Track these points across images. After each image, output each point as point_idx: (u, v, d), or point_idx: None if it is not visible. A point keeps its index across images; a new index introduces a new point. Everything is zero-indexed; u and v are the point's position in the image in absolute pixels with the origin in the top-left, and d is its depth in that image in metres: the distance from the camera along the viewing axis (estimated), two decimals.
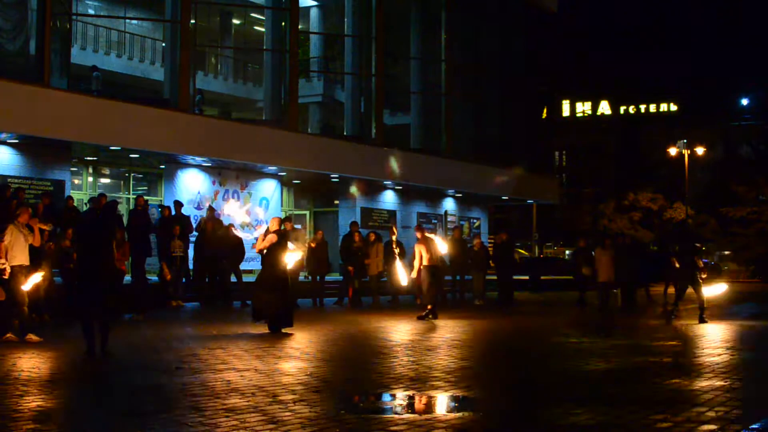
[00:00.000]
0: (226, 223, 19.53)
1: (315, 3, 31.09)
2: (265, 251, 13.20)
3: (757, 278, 46.36)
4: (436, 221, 31.94)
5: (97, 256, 10.30)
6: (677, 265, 15.98)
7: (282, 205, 27.17)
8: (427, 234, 16.74)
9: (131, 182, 24.05)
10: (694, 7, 79.20)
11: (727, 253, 52.88)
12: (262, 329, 12.99)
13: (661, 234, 47.20)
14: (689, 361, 10.07)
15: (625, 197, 51.88)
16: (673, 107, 68.55)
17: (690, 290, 15.77)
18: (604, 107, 69.54)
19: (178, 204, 19.58)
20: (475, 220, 34.40)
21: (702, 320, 15.40)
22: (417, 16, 30.89)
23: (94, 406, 7.17)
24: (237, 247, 18.92)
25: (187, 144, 21.63)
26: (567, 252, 52.56)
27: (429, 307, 15.91)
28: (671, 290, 20.99)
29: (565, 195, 56.67)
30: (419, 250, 16.17)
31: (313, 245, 19.75)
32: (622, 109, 69.33)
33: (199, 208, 23.16)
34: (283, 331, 12.83)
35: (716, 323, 15.54)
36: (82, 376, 8.99)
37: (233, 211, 15.59)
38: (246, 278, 19.97)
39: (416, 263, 16.20)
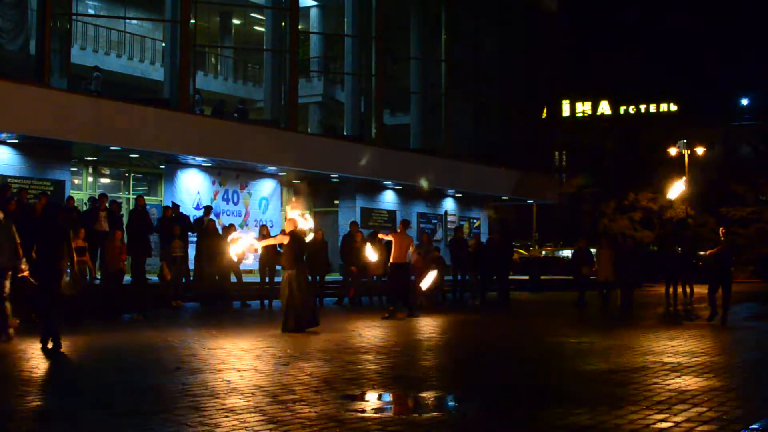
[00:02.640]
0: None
1: (315, 3, 31.10)
2: (282, 254, 13.40)
3: (758, 278, 46.34)
4: (436, 221, 31.95)
5: (47, 257, 10.68)
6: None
7: (282, 205, 27.17)
8: (404, 231, 16.59)
9: (131, 182, 24.04)
10: (694, 7, 79.21)
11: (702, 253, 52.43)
12: (264, 330, 12.98)
13: (665, 233, 47.15)
14: (689, 361, 10.07)
15: (626, 197, 51.88)
16: (673, 107, 68.54)
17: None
18: (604, 107, 69.54)
19: (175, 205, 19.62)
20: (475, 220, 34.41)
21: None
22: (417, 16, 30.90)
23: (94, 406, 7.17)
24: None
25: (187, 144, 21.63)
26: (543, 253, 52.34)
27: (391, 307, 15.94)
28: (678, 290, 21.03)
29: (565, 195, 56.64)
30: (394, 241, 16.21)
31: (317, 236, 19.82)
32: (622, 109, 69.33)
33: (198, 208, 23.17)
34: (309, 330, 12.96)
35: (716, 323, 15.53)
36: (81, 376, 8.98)
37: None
38: (246, 278, 19.97)
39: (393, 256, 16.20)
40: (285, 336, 12.50)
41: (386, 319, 15.43)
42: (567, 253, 55.20)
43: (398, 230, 16.72)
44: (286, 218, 17.38)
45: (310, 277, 20.06)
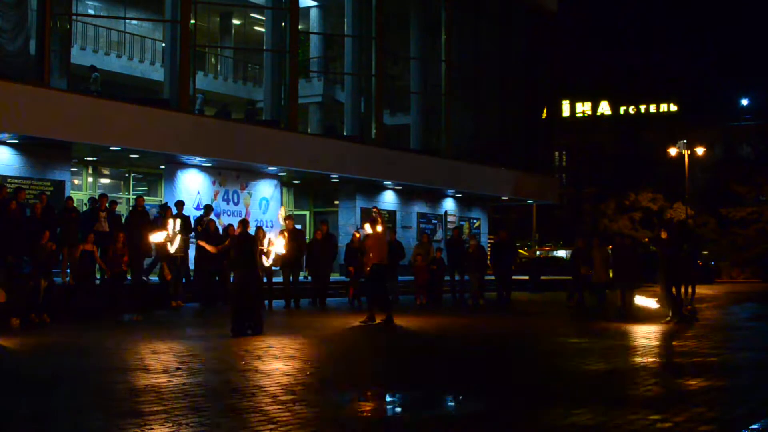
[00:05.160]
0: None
1: (315, 3, 31.10)
2: (232, 254, 13.14)
3: (757, 278, 46.37)
4: (436, 221, 31.95)
5: None
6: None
7: (282, 205, 27.16)
8: (378, 229, 15.19)
9: (131, 182, 24.04)
10: (694, 7, 79.21)
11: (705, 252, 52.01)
12: (264, 330, 12.98)
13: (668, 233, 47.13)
14: (689, 361, 10.07)
15: (626, 197, 51.91)
16: (673, 107, 68.59)
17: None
18: (604, 107, 69.59)
19: (180, 204, 19.58)
20: (475, 221, 34.41)
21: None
22: (417, 16, 30.90)
23: (94, 406, 7.17)
24: None
25: (187, 144, 21.62)
26: (538, 253, 52.20)
27: (366, 315, 14.85)
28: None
29: (565, 195, 56.70)
30: (369, 244, 15.16)
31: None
32: (622, 109, 69.38)
33: (198, 208, 23.15)
34: (248, 333, 12.50)
35: (716, 323, 15.55)
36: (81, 376, 8.98)
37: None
38: None
39: (367, 259, 15.26)
40: (280, 337, 12.49)
41: (365, 323, 14.62)
42: (562, 253, 55.24)
43: (374, 229, 15.31)
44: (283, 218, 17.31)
45: (310, 277, 20.16)
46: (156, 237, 14.92)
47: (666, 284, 15.86)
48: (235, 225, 15.13)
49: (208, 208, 20.12)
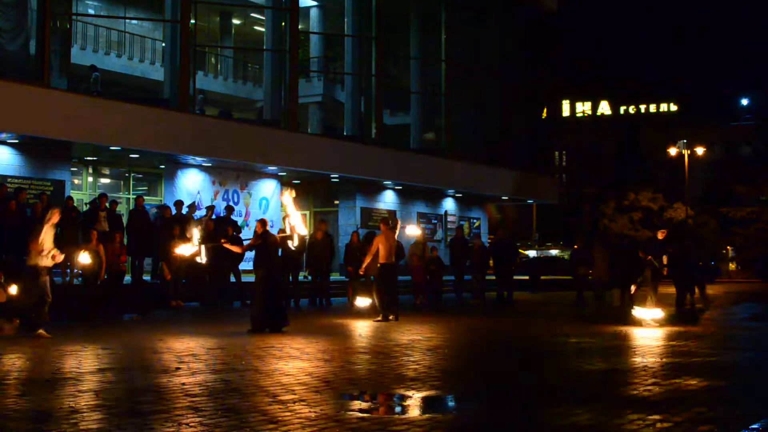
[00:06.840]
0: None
1: (315, 3, 31.11)
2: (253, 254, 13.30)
3: (758, 278, 46.36)
4: (436, 221, 31.94)
5: None
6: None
7: (282, 205, 27.18)
8: (389, 229, 15.68)
9: (131, 182, 24.05)
10: (694, 8, 79.21)
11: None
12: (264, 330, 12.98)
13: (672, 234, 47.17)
14: (689, 361, 10.06)
15: (626, 197, 51.92)
16: (673, 107, 68.62)
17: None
18: (604, 107, 69.59)
19: (179, 204, 19.58)
20: (475, 220, 34.41)
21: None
22: (417, 16, 30.91)
23: (94, 406, 7.17)
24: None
25: (187, 144, 21.63)
26: (532, 253, 51.92)
27: (380, 315, 15.16)
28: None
29: (565, 195, 56.70)
30: (376, 243, 15.46)
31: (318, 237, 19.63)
32: (622, 109, 69.40)
33: (199, 207, 23.16)
34: (283, 329, 12.89)
35: (716, 323, 15.54)
36: (82, 375, 8.98)
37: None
38: (245, 278, 19.94)
39: (368, 258, 15.66)
40: (280, 336, 12.50)
41: (380, 321, 15.09)
42: (532, 252, 55.21)
43: (381, 230, 15.84)
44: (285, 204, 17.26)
45: (310, 277, 20.16)
46: (183, 250, 14.26)
47: (653, 286, 15.93)
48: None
49: (210, 209, 20.19)
